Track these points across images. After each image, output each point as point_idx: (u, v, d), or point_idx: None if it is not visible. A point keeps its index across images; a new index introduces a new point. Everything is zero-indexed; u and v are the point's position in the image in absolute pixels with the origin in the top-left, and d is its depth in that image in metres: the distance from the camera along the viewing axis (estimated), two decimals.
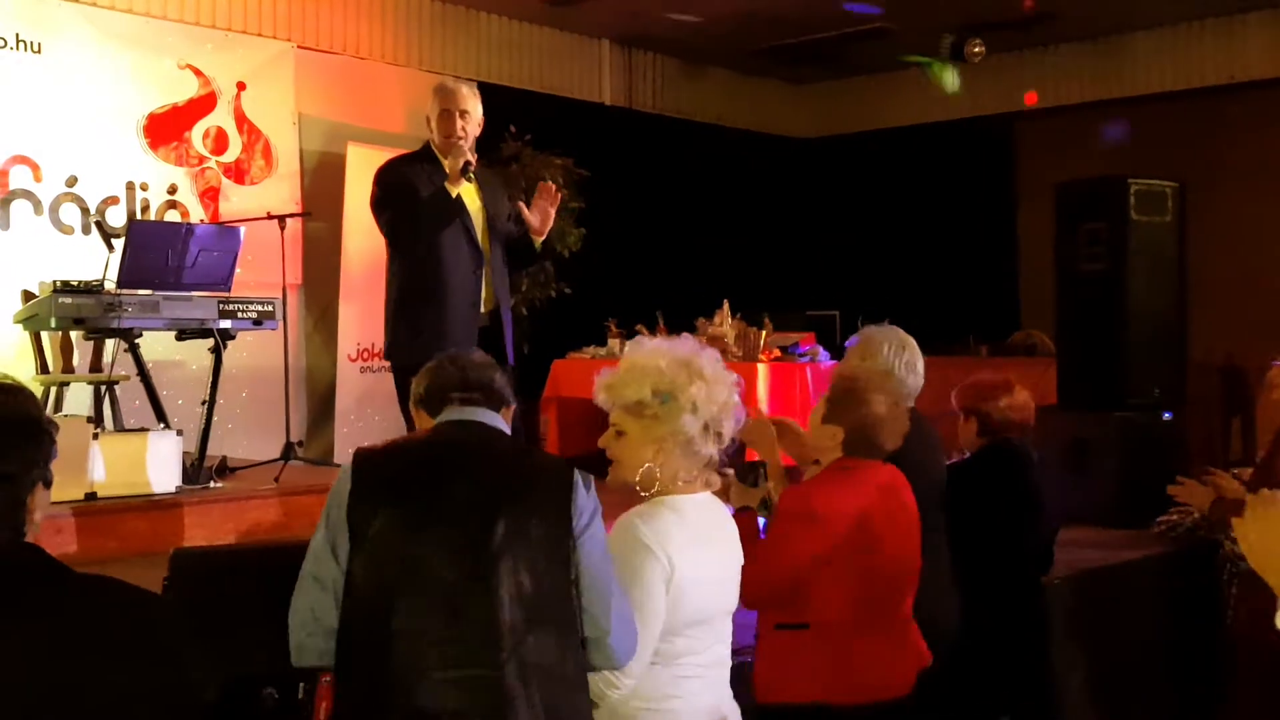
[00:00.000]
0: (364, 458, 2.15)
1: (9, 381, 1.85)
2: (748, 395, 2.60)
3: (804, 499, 2.89)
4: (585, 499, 2.16)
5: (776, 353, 6.77)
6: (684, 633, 2.27)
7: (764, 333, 6.82)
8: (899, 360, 3.57)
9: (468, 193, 4.50)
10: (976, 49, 8.88)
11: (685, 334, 2.61)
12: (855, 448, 2.98)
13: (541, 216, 4.53)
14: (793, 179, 10.87)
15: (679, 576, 2.27)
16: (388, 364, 7.18)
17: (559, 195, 4.57)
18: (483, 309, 4.48)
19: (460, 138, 4.45)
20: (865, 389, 3.00)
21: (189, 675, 1.80)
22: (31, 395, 1.85)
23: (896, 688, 2.89)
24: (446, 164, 4.44)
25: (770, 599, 2.74)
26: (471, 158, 4.43)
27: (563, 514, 2.11)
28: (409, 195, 4.37)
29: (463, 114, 4.50)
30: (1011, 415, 3.77)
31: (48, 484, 1.83)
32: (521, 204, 4.67)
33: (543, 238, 4.56)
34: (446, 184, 4.39)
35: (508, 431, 2.26)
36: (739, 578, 2.51)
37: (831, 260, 10.33)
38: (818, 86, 10.96)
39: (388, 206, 4.44)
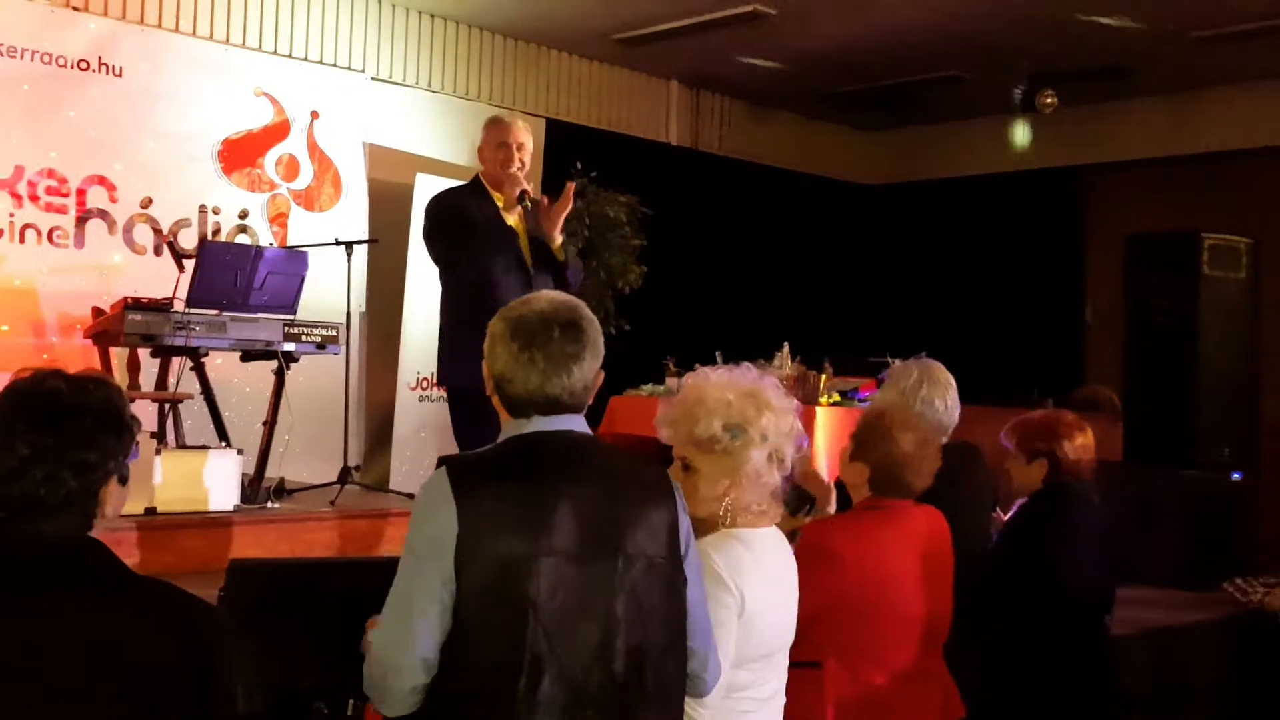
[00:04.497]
0: (464, 476, 1.94)
1: (99, 374, 1.87)
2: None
3: (825, 535, 2.83)
4: (685, 518, 2.08)
5: (836, 397, 6.70)
6: (748, 666, 2.23)
7: (824, 377, 6.75)
8: (915, 395, 3.51)
9: (516, 222, 4.55)
10: (1048, 99, 8.81)
11: (745, 363, 2.57)
12: (882, 486, 2.92)
13: (546, 227, 4.48)
14: (857, 225, 10.82)
15: (749, 610, 2.23)
16: (445, 393, 7.30)
17: (545, 201, 4.47)
18: None
19: (517, 169, 4.51)
20: (891, 426, 2.95)
21: (228, 685, 1.79)
22: (120, 391, 1.87)
23: None
24: (503, 193, 4.49)
25: None
26: (528, 187, 4.48)
27: (673, 539, 2.03)
28: (462, 223, 4.44)
29: (519, 147, 4.55)
30: (1084, 456, 3.65)
31: (123, 480, 1.83)
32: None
33: (557, 241, 4.49)
34: (503, 211, 4.44)
35: (589, 432, 2.10)
36: (796, 612, 2.46)
37: (893, 307, 10.25)
38: (885, 133, 10.94)
39: (441, 235, 4.52)
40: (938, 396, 3.55)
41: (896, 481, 2.90)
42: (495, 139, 4.57)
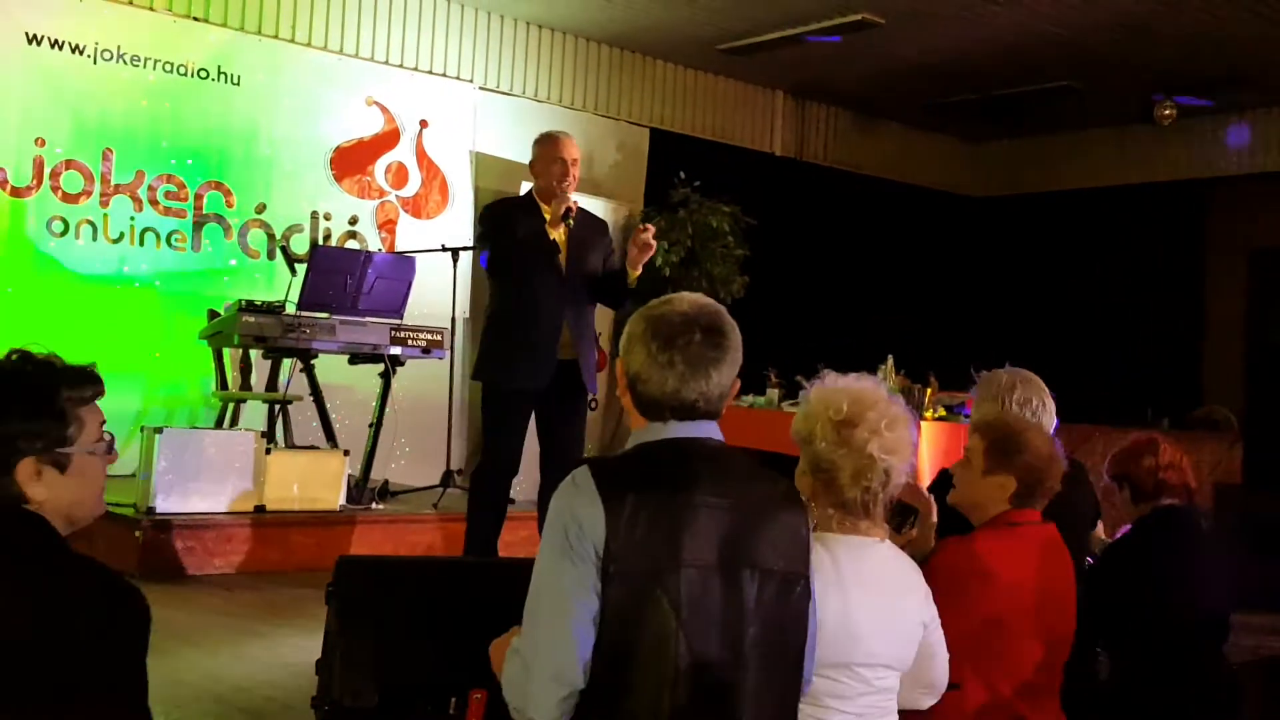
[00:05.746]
0: (610, 479, 1.89)
1: (50, 359, 1.81)
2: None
3: (974, 555, 2.72)
4: (812, 538, 2.01)
5: (941, 411, 6.57)
6: (821, 672, 2.18)
7: (929, 390, 6.63)
8: (1009, 397, 3.38)
9: (559, 235, 4.68)
10: (1167, 112, 8.56)
11: (865, 376, 2.50)
12: (1026, 496, 2.83)
13: (632, 257, 4.60)
14: (965, 237, 10.64)
15: (818, 611, 2.18)
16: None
17: (644, 239, 4.56)
18: (563, 340, 4.64)
19: (570, 184, 4.64)
20: (1023, 431, 2.85)
21: (137, 671, 1.74)
22: (61, 378, 1.79)
23: None
24: (550, 208, 4.63)
25: None
26: (573, 205, 4.61)
27: (804, 552, 1.98)
28: (507, 234, 4.61)
29: (573, 162, 4.68)
30: (1165, 476, 3.49)
31: (60, 467, 1.76)
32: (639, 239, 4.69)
33: (636, 272, 4.61)
34: (547, 226, 4.58)
35: (723, 441, 2.02)
36: (907, 631, 2.37)
37: (1003, 322, 10.03)
38: (994, 144, 10.73)
39: (487, 242, 4.70)
40: (1034, 395, 3.43)
41: (1042, 489, 2.80)
42: (551, 154, 4.69)
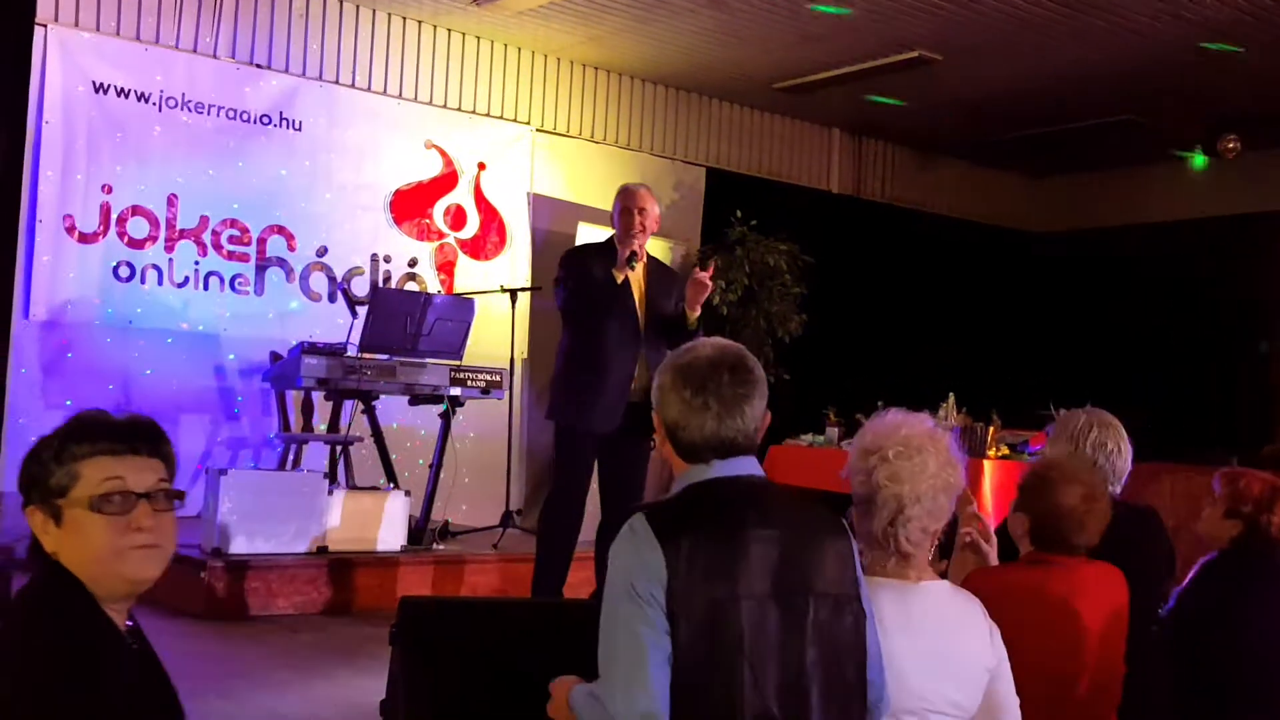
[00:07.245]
0: (665, 524, 1.95)
1: (102, 412, 1.70)
2: (973, 493, 2.45)
3: (977, 588, 2.67)
4: (858, 557, 2.08)
5: (1005, 450, 6.45)
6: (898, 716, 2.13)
7: (992, 429, 6.51)
8: (1086, 439, 3.31)
9: (635, 280, 4.82)
10: (1231, 144, 8.41)
11: (923, 412, 2.45)
12: (1043, 540, 2.77)
13: (690, 297, 4.79)
14: (1028, 274, 10.50)
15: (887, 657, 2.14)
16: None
17: (700, 279, 4.73)
18: (635, 384, 4.72)
19: (638, 232, 4.79)
20: (1057, 478, 2.80)
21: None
22: (70, 425, 1.66)
23: None
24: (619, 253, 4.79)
25: None
26: (639, 250, 4.77)
27: (853, 574, 2.04)
28: (584, 278, 4.76)
29: (640, 211, 4.83)
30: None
31: (55, 519, 1.63)
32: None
33: (695, 313, 4.77)
34: (614, 270, 4.73)
35: (763, 474, 2.12)
36: (965, 674, 2.30)
37: (1067, 359, 9.87)
38: (1057, 179, 10.61)
39: (565, 286, 4.85)
40: (1110, 439, 3.36)
41: (1056, 536, 2.75)
42: (622, 205, 4.88)
